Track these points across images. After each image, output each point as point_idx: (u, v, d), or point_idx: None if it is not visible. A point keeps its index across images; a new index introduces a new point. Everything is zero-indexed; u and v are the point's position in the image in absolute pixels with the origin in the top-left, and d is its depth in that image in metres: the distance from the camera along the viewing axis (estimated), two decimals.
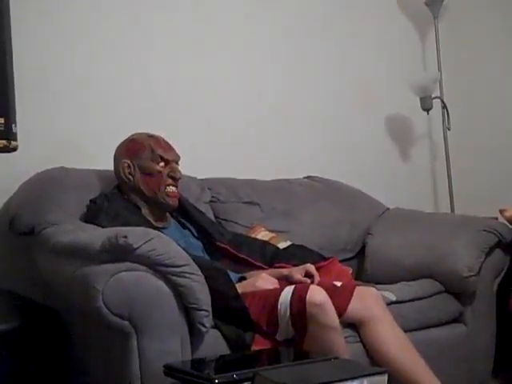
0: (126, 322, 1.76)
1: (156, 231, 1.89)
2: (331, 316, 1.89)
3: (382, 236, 2.68)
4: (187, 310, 1.83)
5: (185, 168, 2.29)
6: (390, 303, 2.16)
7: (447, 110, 3.29)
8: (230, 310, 1.91)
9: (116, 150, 2.28)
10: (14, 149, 2.08)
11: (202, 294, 1.83)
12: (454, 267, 2.36)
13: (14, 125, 2.05)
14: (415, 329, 2.20)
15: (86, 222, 2.12)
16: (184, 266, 1.81)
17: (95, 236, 1.86)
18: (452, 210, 3.27)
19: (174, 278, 1.80)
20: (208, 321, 1.84)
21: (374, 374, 1.50)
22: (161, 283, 1.79)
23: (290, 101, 3.06)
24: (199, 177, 2.65)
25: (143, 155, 2.22)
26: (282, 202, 2.72)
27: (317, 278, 2.15)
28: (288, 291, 1.94)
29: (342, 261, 2.51)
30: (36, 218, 2.15)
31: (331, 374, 1.51)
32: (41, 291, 2.14)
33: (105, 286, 1.74)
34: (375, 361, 2.01)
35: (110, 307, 1.74)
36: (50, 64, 2.51)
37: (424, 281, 2.40)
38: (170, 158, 2.24)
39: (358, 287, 2.10)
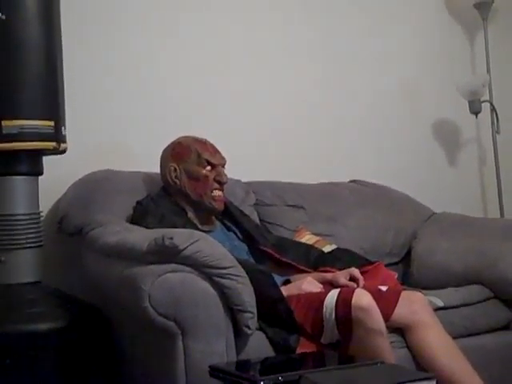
0: (172, 323, 1.76)
1: (202, 233, 1.90)
2: (377, 320, 1.86)
3: (428, 240, 2.64)
4: (232, 312, 1.83)
5: (229, 171, 2.30)
6: (437, 309, 2.12)
7: (496, 114, 3.22)
8: (275, 313, 1.90)
9: (162, 154, 2.30)
10: (64, 151, 2.12)
11: (247, 296, 1.82)
12: (505, 273, 2.31)
13: (63, 127, 2.09)
14: (463, 335, 2.16)
15: (133, 223, 2.14)
16: (229, 267, 1.81)
17: (142, 237, 1.88)
18: (502, 215, 3.20)
19: (219, 279, 1.80)
20: (253, 323, 1.84)
21: (421, 380, 1.46)
22: (206, 284, 1.79)
23: (335, 103, 3.04)
24: (243, 180, 2.65)
25: (189, 159, 2.23)
26: (328, 205, 2.70)
27: (361, 282, 2.12)
28: (333, 294, 1.92)
29: (387, 265, 2.48)
30: (84, 219, 2.19)
31: (377, 378, 1.49)
32: (88, 290, 2.17)
33: (151, 287, 1.75)
34: (422, 367, 1.97)
35: (156, 307, 1.75)
36: (99, 68, 2.55)
37: (472, 287, 2.35)
38: (216, 162, 2.24)
39: (404, 291, 2.07)
